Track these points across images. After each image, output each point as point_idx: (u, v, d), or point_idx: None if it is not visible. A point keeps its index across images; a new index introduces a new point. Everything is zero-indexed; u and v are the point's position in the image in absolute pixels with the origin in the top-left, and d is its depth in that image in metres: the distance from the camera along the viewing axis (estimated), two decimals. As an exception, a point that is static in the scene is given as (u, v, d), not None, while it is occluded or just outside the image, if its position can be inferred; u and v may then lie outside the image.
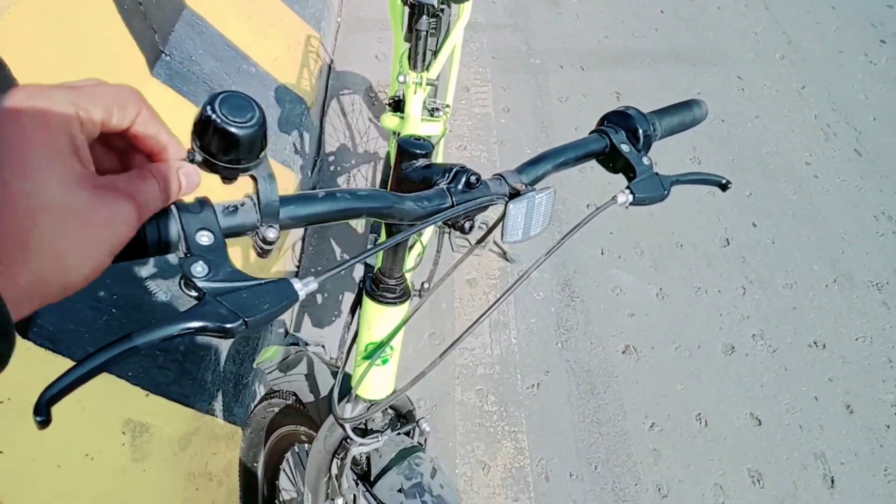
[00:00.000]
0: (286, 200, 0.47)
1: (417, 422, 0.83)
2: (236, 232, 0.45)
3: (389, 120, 1.35)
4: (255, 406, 1.05)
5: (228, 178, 0.43)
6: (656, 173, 0.72)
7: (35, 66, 1.28)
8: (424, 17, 1.26)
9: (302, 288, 0.43)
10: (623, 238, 2.23)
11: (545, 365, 1.85)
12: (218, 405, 1.52)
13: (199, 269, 0.40)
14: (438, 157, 1.80)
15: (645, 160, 0.72)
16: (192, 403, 1.44)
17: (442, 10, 1.33)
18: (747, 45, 3.07)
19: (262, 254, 0.46)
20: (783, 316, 2.02)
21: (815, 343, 1.96)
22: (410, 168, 0.60)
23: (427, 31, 1.27)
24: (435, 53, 1.38)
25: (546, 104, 2.75)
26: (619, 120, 0.73)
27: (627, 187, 0.69)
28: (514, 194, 0.61)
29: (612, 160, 0.72)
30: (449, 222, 0.60)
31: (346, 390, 0.79)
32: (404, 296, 0.72)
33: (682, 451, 1.69)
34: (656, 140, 0.77)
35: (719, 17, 3.24)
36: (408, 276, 1.55)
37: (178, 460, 1.37)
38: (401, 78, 1.29)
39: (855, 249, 2.24)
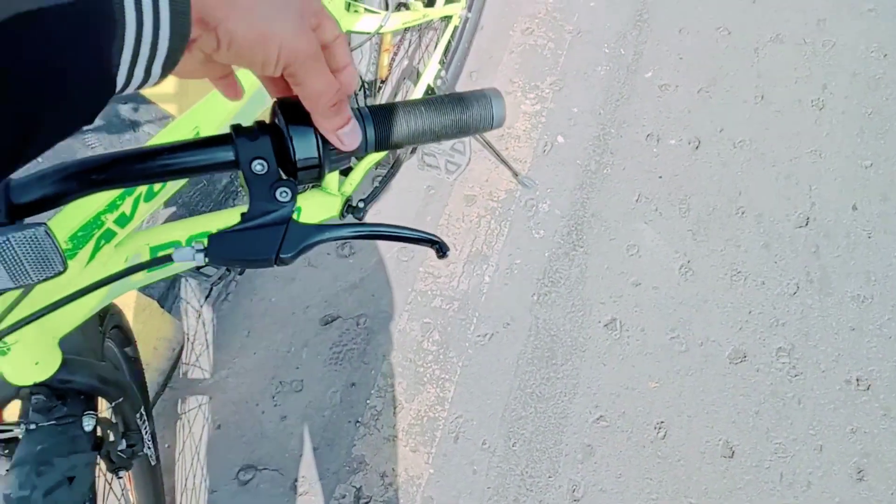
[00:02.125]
0: None
1: (82, 415, 0.71)
2: None
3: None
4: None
5: None
6: (291, 219, 0.46)
7: None
8: None
9: None
10: (672, 186, 1.81)
11: (509, 315, 1.64)
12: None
13: None
14: (430, 61, 1.49)
15: (281, 194, 0.46)
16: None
17: None
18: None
19: None
20: (832, 335, 1.58)
21: (856, 381, 1.53)
22: None
23: None
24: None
25: (652, -9, 2.19)
26: (282, 117, 0.45)
27: (210, 236, 0.45)
28: None
29: (241, 179, 0.47)
30: None
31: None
32: None
33: (621, 459, 1.46)
34: (369, 151, 0.49)
35: None
36: (348, 190, 1.36)
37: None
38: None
39: None
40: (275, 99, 0.49)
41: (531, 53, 2.10)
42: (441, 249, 0.52)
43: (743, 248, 1.71)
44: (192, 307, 1.62)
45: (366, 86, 1.37)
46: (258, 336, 1.61)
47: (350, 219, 1.44)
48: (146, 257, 0.82)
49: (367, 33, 1.16)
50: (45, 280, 0.45)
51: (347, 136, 0.45)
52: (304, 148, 0.45)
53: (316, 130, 0.46)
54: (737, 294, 1.64)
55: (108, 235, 0.73)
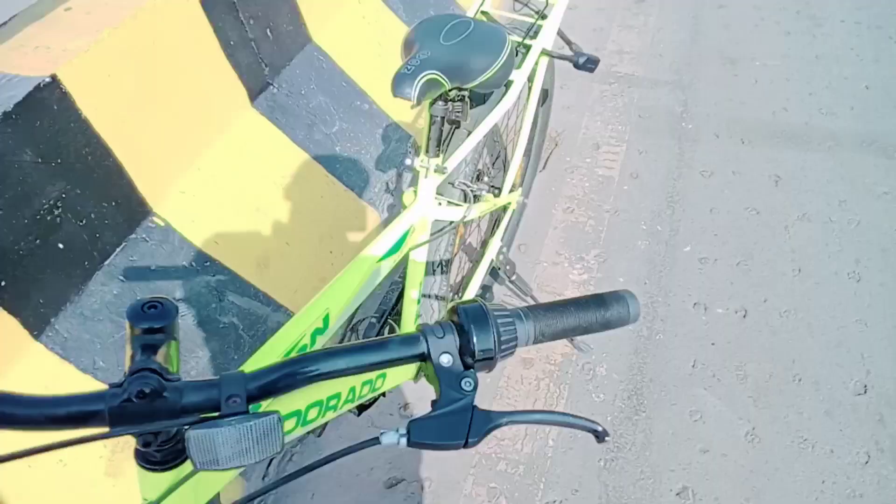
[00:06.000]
0: None
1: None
2: None
3: (407, 196, 1.25)
4: None
5: None
6: (475, 406, 0.53)
7: (112, 92, 1.41)
8: (439, 102, 1.15)
9: None
10: (726, 353, 1.87)
11: (577, 482, 1.61)
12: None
13: None
14: (492, 239, 1.65)
15: (465, 384, 0.53)
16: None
17: (465, 99, 1.19)
18: (978, 140, 2.42)
19: None
20: (917, 508, 1.53)
21: (953, 559, 1.45)
22: (136, 342, 0.50)
23: (443, 118, 1.16)
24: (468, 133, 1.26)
25: (684, 176, 2.43)
26: (461, 316, 0.55)
27: (409, 422, 0.52)
28: (218, 414, 0.48)
29: (426, 369, 0.55)
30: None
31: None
32: (174, 459, 0.60)
33: None
34: (524, 346, 0.58)
35: (948, 100, 2.61)
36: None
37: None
38: (407, 160, 1.19)
39: None
40: (452, 304, 0.59)
41: (574, 229, 2.28)
42: (601, 436, 0.59)
43: (806, 415, 1.71)
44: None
45: (443, 264, 1.50)
46: (323, 498, 1.59)
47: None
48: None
49: (454, 221, 1.30)
50: (259, 461, 0.51)
51: None
52: (483, 343, 0.54)
53: (493, 328, 0.55)
54: (807, 462, 1.62)
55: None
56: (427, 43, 1.07)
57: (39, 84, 1.25)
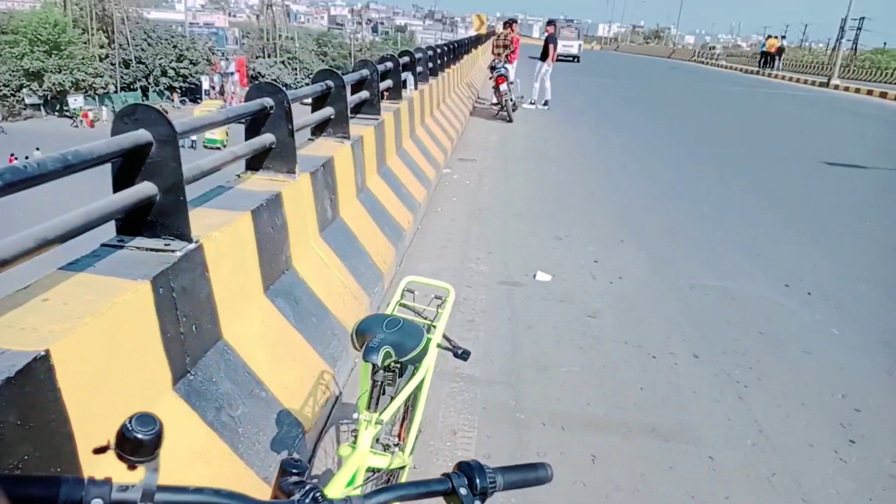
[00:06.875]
0: (164, 489, 0.72)
1: None
2: None
3: (344, 449, 1.59)
4: None
5: (131, 467, 0.69)
6: None
7: (82, 369, 1.65)
8: (380, 371, 1.61)
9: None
10: None
11: None
12: None
13: None
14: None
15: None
16: None
17: (399, 369, 1.67)
18: (720, 429, 3.31)
19: None
20: None
21: None
22: (284, 482, 0.85)
23: (382, 382, 1.61)
24: (391, 399, 1.70)
25: (524, 458, 2.93)
26: (466, 469, 0.96)
27: None
28: None
29: (452, 499, 0.93)
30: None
31: None
32: None
33: None
34: (499, 490, 0.99)
35: (694, 400, 3.57)
36: None
37: None
38: (354, 415, 1.58)
39: None
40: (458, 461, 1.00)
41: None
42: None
43: None
44: None
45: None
46: None
47: None
48: None
49: (383, 469, 1.65)
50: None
51: None
52: (482, 482, 0.95)
53: (486, 475, 0.97)
54: None
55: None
56: (377, 331, 1.58)
57: (36, 357, 1.49)
